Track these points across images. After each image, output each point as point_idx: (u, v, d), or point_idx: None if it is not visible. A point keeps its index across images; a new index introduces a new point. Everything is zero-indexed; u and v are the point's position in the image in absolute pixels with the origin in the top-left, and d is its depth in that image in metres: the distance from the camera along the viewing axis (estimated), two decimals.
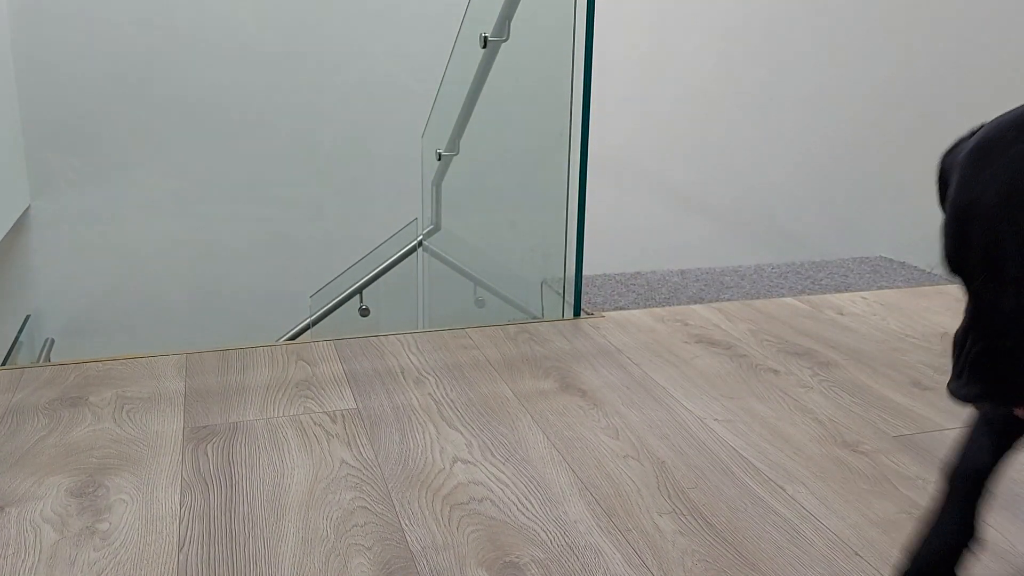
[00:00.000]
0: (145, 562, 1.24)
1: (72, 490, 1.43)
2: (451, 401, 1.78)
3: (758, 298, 2.34)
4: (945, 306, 2.36)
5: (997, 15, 4.73)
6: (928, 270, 2.83)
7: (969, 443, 1.13)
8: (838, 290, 2.27)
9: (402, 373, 1.92)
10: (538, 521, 1.36)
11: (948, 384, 0.93)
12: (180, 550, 1.27)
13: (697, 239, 4.45)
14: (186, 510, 1.38)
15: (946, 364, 1.96)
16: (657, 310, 2.40)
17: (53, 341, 3.84)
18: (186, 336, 3.58)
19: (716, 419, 1.70)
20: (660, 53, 4.38)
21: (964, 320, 0.92)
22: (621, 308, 2.46)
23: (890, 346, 2.10)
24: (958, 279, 0.92)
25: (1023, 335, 0.86)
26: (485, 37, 2.67)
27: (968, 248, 0.88)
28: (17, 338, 3.54)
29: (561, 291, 2.43)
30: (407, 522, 1.35)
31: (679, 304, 2.49)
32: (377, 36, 4.00)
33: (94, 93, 3.76)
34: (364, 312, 3.45)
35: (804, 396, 1.81)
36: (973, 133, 0.93)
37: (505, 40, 2.65)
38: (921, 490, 1.47)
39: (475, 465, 1.52)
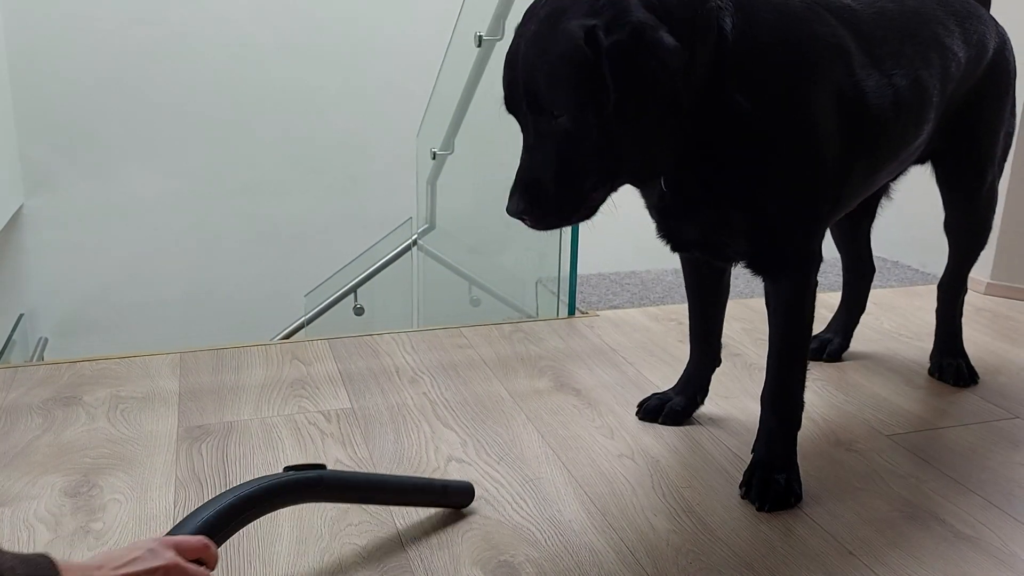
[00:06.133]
0: None
1: (66, 489, 1.43)
2: (446, 400, 1.78)
3: (752, 297, 2.34)
4: None
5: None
6: (922, 269, 2.84)
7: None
8: (832, 289, 2.27)
9: (397, 372, 1.92)
10: (533, 520, 1.36)
11: (506, 205, 1.19)
12: None
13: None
14: (180, 509, 1.37)
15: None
16: (651, 309, 2.40)
17: (47, 340, 3.83)
18: (180, 335, 3.56)
19: (710, 418, 1.70)
20: None
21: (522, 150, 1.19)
22: (615, 307, 2.46)
23: (884, 345, 2.10)
24: (513, 116, 1.21)
25: (554, 156, 1.17)
26: (480, 36, 2.67)
27: (515, 89, 1.19)
28: (10, 337, 3.53)
29: (556, 290, 2.43)
30: (401, 521, 1.35)
31: (673, 303, 2.49)
32: (372, 36, 4.00)
33: (88, 91, 3.75)
34: (359, 311, 3.45)
35: None
36: None
37: (500, 39, 2.65)
38: (915, 488, 1.47)
39: (470, 464, 1.52)
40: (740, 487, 1.44)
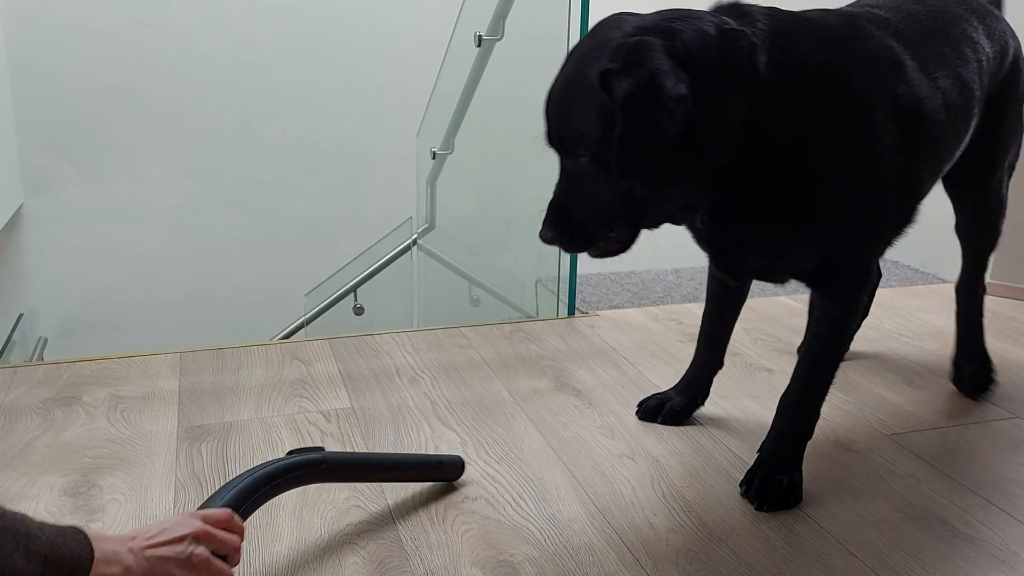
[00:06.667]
0: None
1: (66, 490, 1.43)
2: (446, 400, 1.78)
3: (752, 297, 2.34)
4: (939, 305, 2.37)
5: None
6: (922, 269, 2.84)
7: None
8: None
9: (397, 372, 1.92)
10: (533, 520, 1.36)
11: (539, 231, 1.28)
12: None
13: (692, 238, 4.44)
14: (180, 509, 1.37)
15: (940, 363, 1.97)
16: (652, 309, 2.40)
17: (46, 340, 3.83)
18: (180, 335, 3.56)
19: (711, 418, 1.70)
20: None
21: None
22: (616, 307, 2.46)
23: (884, 346, 2.10)
24: (552, 150, 1.29)
25: (579, 192, 1.24)
26: (480, 36, 2.67)
27: (548, 126, 1.28)
28: (10, 337, 3.52)
29: (556, 290, 2.43)
30: (401, 521, 1.35)
31: (673, 303, 2.50)
32: (372, 35, 3.99)
33: (88, 92, 3.74)
34: (359, 311, 3.45)
35: None
36: None
37: (500, 39, 2.65)
38: (915, 488, 1.47)
39: (470, 464, 1.52)
40: (740, 485, 1.44)
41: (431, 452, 1.56)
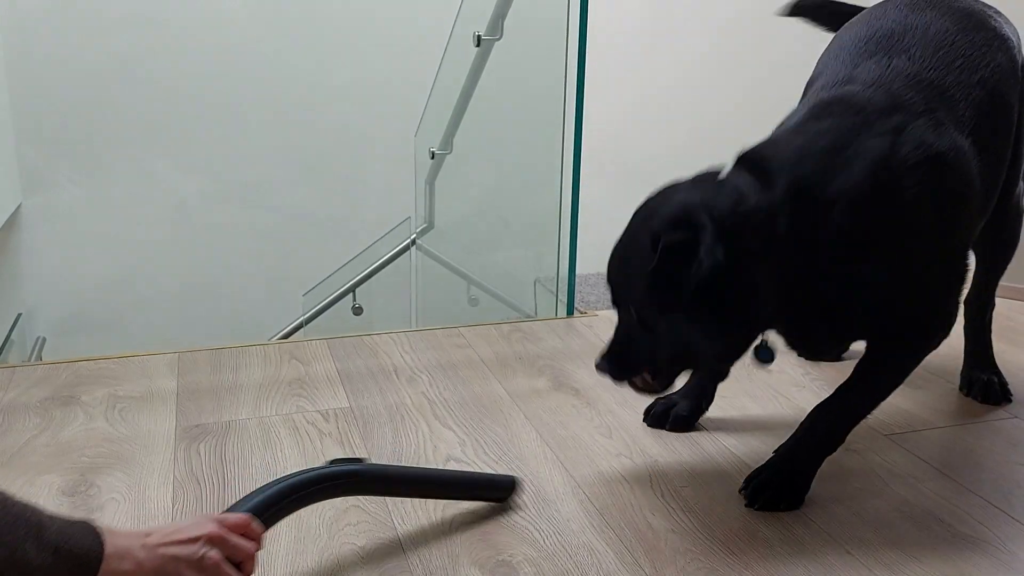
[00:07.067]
0: None
1: (64, 489, 1.42)
2: (444, 400, 1.78)
3: None
4: None
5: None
6: None
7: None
8: None
9: (395, 372, 1.92)
10: (531, 520, 1.36)
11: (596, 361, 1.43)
12: None
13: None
14: (178, 509, 1.37)
15: (939, 363, 1.96)
16: None
17: (45, 340, 3.82)
18: (179, 334, 3.56)
19: (709, 417, 1.70)
20: (655, 51, 4.38)
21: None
22: None
23: None
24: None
25: (627, 338, 1.39)
26: (478, 35, 2.67)
27: (609, 282, 1.41)
28: (8, 337, 3.52)
29: (554, 289, 2.43)
30: (400, 521, 1.35)
31: None
32: (370, 34, 3.99)
33: (85, 91, 3.74)
34: (357, 311, 3.45)
35: (797, 395, 1.81)
36: None
37: (498, 39, 2.65)
38: (913, 488, 1.47)
39: (468, 464, 1.52)
40: (744, 481, 1.44)
41: (431, 452, 1.56)
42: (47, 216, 3.80)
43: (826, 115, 1.34)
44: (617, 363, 1.41)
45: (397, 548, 1.28)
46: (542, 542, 1.30)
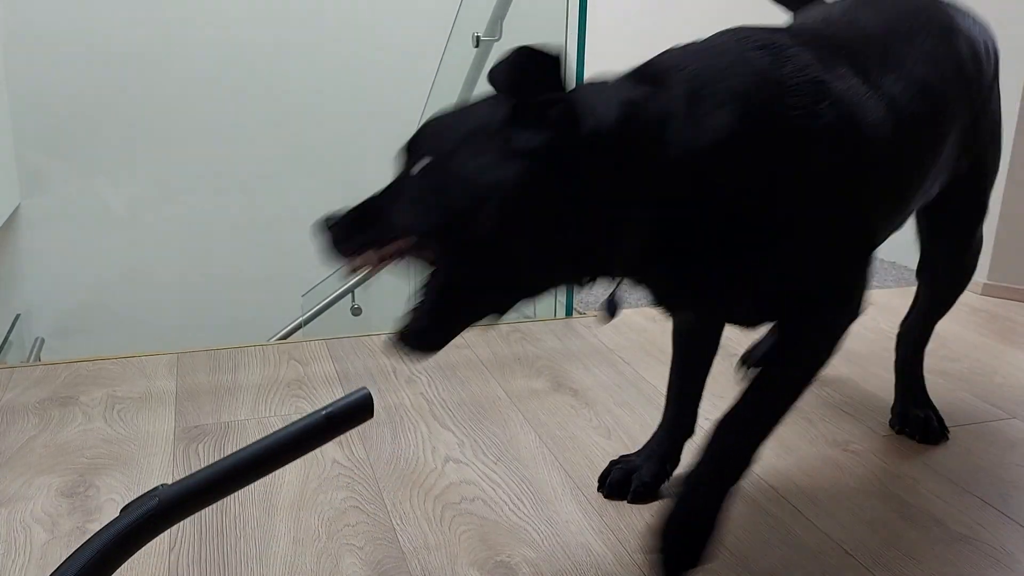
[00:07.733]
0: (135, 562, 1.23)
1: (62, 490, 1.43)
2: (443, 400, 1.78)
3: None
4: None
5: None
6: None
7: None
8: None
9: (394, 372, 1.92)
10: (530, 520, 1.36)
11: None
12: (171, 550, 1.27)
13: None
14: None
15: (937, 363, 1.97)
16: (649, 310, 2.39)
17: (43, 340, 3.83)
18: (177, 335, 3.56)
19: (707, 418, 1.70)
20: (654, 52, 4.38)
21: None
22: None
23: (880, 346, 2.10)
24: None
25: (394, 199, 1.16)
26: (478, 36, 2.67)
27: (416, 132, 1.13)
28: (7, 338, 3.52)
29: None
30: (399, 521, 1.35)
31: None
32: (370, 35, 4.00)
33: (84, 92, 3.74)
34: (356, 311, 3.45)
35: None
36: None
37: (498, 40, 2.65)
38: (911, 489, 1.47)
39: (467, 464, 1.52)
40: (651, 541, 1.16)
41: (429, 453, 1.56)
42: (46, 217, 3.80)
43: (719, 38, 1.14)
44: (354, 223, 1.08)
45: (396, 548, 1.28)
46: (541, 543, 1.30)
